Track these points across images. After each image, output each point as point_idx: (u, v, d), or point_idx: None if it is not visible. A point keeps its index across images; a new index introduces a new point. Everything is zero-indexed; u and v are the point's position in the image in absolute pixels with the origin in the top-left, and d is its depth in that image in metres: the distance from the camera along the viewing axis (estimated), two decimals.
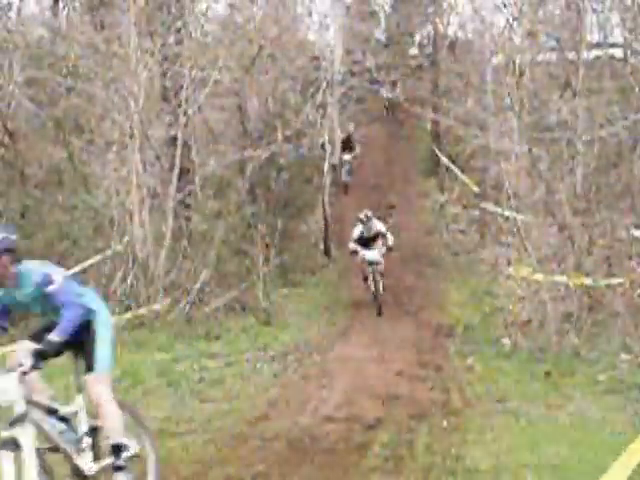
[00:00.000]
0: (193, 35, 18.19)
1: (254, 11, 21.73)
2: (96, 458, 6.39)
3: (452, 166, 24.69)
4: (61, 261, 15.83)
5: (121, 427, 6.41)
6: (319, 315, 17.17)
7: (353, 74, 28.09)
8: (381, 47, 33.48)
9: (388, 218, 22.77)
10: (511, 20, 17.89)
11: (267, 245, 17.71)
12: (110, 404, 6.36)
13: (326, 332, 15.72)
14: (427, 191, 25.69)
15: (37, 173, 18.27)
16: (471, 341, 14.29)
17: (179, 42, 17.72)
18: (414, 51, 35.21)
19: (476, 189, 22.40)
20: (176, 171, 17.41)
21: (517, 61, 16.60)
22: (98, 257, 15.90)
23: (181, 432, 9.51)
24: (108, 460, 6.41)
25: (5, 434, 5.86)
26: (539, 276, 14.19)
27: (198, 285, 16.12)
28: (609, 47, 17.18)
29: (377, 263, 17.05)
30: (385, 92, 32.01)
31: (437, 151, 26.08)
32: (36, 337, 6.36)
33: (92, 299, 6.65)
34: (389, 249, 17.35)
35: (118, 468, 6.36)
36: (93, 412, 6.42)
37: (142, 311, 15.58)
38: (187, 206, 17.75)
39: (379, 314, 16.62)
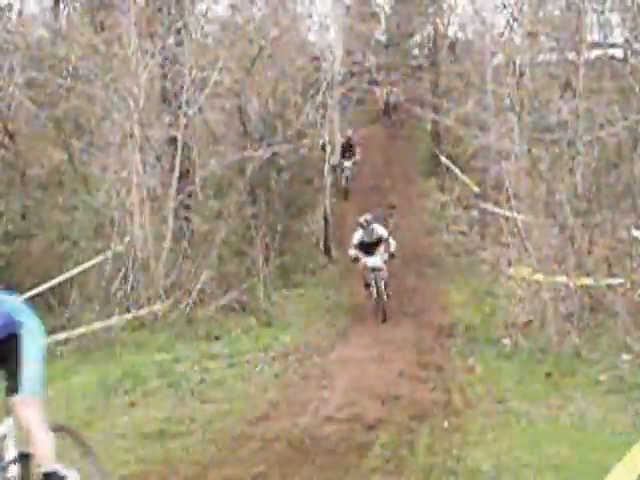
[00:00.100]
0: (193, 36, 18.22)
1: (254, 12, 21.74)
2: None
3: (452, 166, 24.67)
4: (62, 262, 15.90)
5: (53, 454, 5.60)
6: (320, 316, 17.16)
7: (353, 75, 28.10)
8: (381, 48, 33.47)
9: (388, 219, 22.79)
10: (511, 20, 17.91)
11: (267, 246, 17.73)
12: (40, 429, 5.49)
13: (327, 333, 15.72)
14: (427, 191, 25.67)
15: (37, 174, 18.27)
16: (472, 341, 14.27)
17: (179, 43, 17.75)
18: (414, 51, 35.19)
19: (476, 189, 22.38)
20: (176, 172, 17.43)
21: (517, 61, 16.61)
22: (99, 258, 15.91)
23: (182, 433, 9.51)
24: None
25: None
26: (540, 276, 14.18)
27: (199, 286, 16.13)
28: (609, 47, 17.17)
29: (379, 269, 16.35)
30: (382, 93, 31.89)
31: (437, 151, 26.07)
32: None
33: (19, 310, 5.87)
34: (391, 255, 16.66)
35: None
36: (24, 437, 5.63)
37: (143, 312, 15.60)
38: (187, 207, 17.76)
39: (383, 321, 16.08)
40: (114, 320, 14.94)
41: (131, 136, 16.62)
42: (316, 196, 22.06)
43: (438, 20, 28.16)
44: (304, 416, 10.04)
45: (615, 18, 16.94)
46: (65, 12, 22.02)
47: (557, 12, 17.94)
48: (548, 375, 11.79)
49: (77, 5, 21.53)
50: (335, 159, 23.96)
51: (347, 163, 24.76)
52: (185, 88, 17.54)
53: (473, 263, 19.86)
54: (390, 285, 16.75)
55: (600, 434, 9.08)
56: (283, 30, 21.98)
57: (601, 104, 15.61)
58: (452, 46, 28.91)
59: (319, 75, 22.89)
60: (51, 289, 15.20)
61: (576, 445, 8.46)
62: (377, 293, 16.33)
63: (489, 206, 20.36)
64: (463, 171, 24.05)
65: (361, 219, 16.83)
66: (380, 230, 16.87)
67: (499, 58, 20.42)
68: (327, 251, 21.35)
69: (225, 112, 21.80)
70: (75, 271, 15.59)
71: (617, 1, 16.61)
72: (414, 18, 32.80)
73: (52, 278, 15.32)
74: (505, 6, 17.72)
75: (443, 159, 25.30)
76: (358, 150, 25.05)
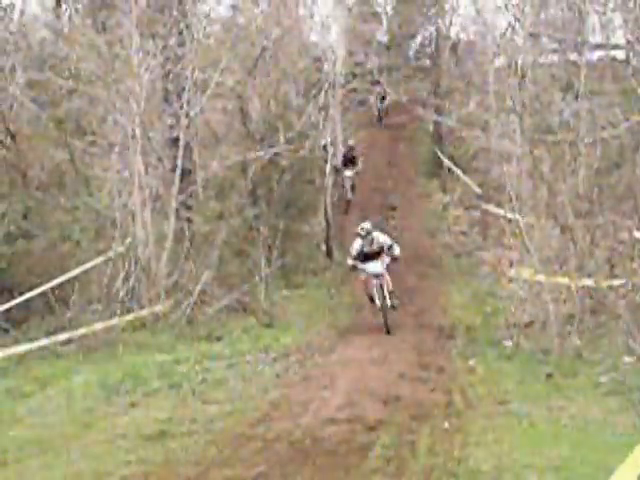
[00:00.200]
0: (195, 37, 18.21)
1: (256, 13, 21.75)
2: None
3: (454, 167, 24.69)
4: (63, 262, 15.91)
5: None
6: (321, 316, 17.16)
7: (355, 76, 28.15)
8: (383, 49, 33.50)
9: (390, 220, 22.82)
10: (513, 22, 17.88)
11: (269, 246, 17.72)
12: None
13: (328, 333, 15.72)
14: (429, 192, 25.68)
15: (39, 175, 18.28)
16: (473, 342, 14.27)
17: (181, 44, 17.76)
18: (416, 52, 35.23)
19: (478, 190, 22.38)
20: (178, 173, 17.44)
21: (519, 63, 16.59)
22: (100, 258, 15.92)
23: (183, 433, 9.52)
24: None
25: None
26: (541, 278, 14.17)
27: (200, 286, 16.14)
28: (611, 49, 17.16)
29: (380, 275, 15.45)
30: (375, 100, 31.69)
31: (439, 152, 26.08)
32: None
33: None
34: (394, 259, 15.75)
35: None
36: None
37: (144, 312, 15.62)
38: (189, 207, 17.78)
39: (388, 332, 15.16)
40: (115, 320, 14.95)
41: (133, 137, 16.63)
42: (318, 197, 22.06)
43: (440, 21, 28.20)
44: (305, 417, 10.04)
45: (617, 19, 16.94)
46: (67, 13, 22.06)
47: (559, 13, 17.92)
48: (549, 376, 11.78)
49: (79, 6, 21.55)
50: (337, 159, 23.95)
51: (349, 173, 24.24)
52: (187, 89, 17.56)
53: (474, 264, 19.87)
54: (396, 292, 15.85)
55: (601, 435, 9.07)
56: (285, 31, 22.02)
57: (603, 105, 15.61)
58: (454, 47, 28.94)
59: (321, 76, 22.91)
60: (52, 289, 15.22)
61: (577, 446, 8.45)
62: (381, 304, 15.35)
63: (490, 207, 20.38)
64: (465, 172, 24.07)
65: (359, 228, 15.88)
66: (381, 238, 15.87)
67: (501, 59, 20.43)
68: (328, 252, 21.36)
69: (227, 113, 21.83)
70: (76, 271, 15.60)
71: (619, 2, 16.60)
72: (416, 19, 32.87)
73: (53, 278, 15.33)
74: (507, 7, 17.69)
75: (445, 160, 25.31)
76: (360, 160, 24.55)
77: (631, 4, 15.75)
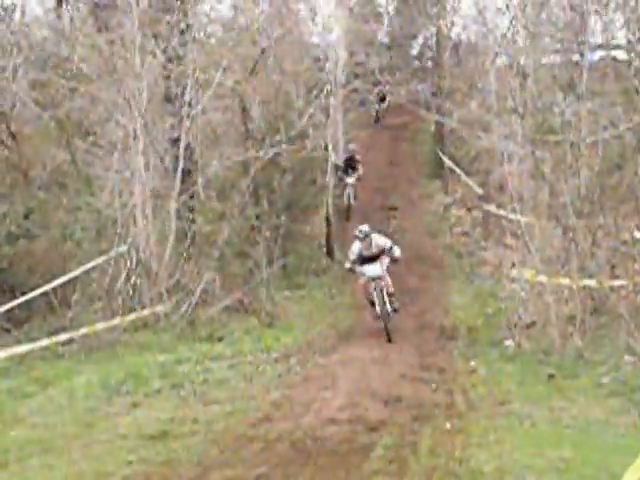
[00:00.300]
0: (196, 37, 18.20)
1: (257, 13, 21.73)
2: None
3: (456, 168, 24.66)
4: (64, 262, 15.92)
5: None
6: (322, 317, 17.15)
7: (357, 76, 28.12)
8: (384, 49, 33.48)
9: (392, 220, 22.81)
10: (514, 22, 17.86)
11: (270, 247, 17.72)
12: None
13: (329, 334, 15.72)
14: (431, 193, 25.67)
15: (41, 175, 18.30)
16: (474, 343, 14.27)
17: (182, 44, 17.74)
18: (417, 53, 35.22)
19: (480, 191, 22.37)
20: (179, 173, 17.45)
21: (521, 63, 16.58)
22: (101, 259, 15.92)
23: (184, 433, 9.53)
24: None
25: None
26: (542, 278, 14.17)
27: (201, 287, 16.15)
28: (613, 49, 17.15)
29: (379, 278, 14.93)
30: (375, 99, 31.55)
31: (440, 153, 26.06)
32: None
33: None
34: (394, 260, 15.29)
35: None
36: None
37: (145, 313, 15.62)
38: (190, 208, 17.76)
39: (389, 341, 14.55)
40: (117, 321, 14.96)
41: (134, 137, 16.63)
42: (319, 197, 22.05)
43: (441, 21, 28.15)
44: (306, 417, 10.05)
45: (618, 19, 16.93)
46: (68, 13, 22.04)
47: (560, 14, 17.90)
48: (551, 377, 11.79)
49: (80, 6, 21.54)
50: (339, 159, 23.92)
51: (350, 180, 23.68)
52: (188, 89, 17.56)
53: (476, 264, 19.85)
54: (396, 295, 15.35)
55: (603, 436, 9.08)
56: (286, 31, 21.99)
57: (604, 106, 15.60)
58: (455, 47, 28.91)
59: (322, 76, 22.89)
60: (54, 289, 15.24)
61: (579, 447, 8.45)
62: (381, 310, 14.81)
63: (492, 208, 20.36)
64: (466, 173, 24.04)
65: (357, 231, 15.36)
66: (381, 240, 15.36)
67: (502, 59, 20.40)
68: (329, 252, 21.33)
69: (228, 113, 21.80)
70: (78, 272, 15.60)
71: (620, 2, 16.59)
72: (417, 19, 32.81)
73: (55, 278, 15.35)
74: (508, 7, 17.66)
75: (446, 160, 25.29)
76: (361, 166, 23.98)
77: (632, 4, 15.74)
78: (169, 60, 17.68)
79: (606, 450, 8.19)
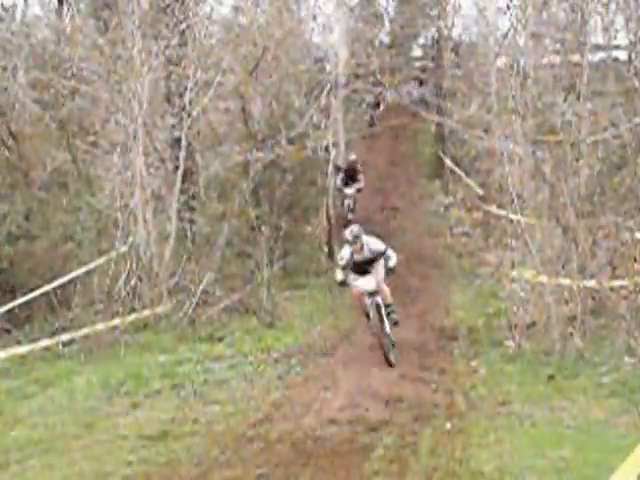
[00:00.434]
0: (197, 37, 18.19)
1: (258, 13, 21.74)
2: None
3: (456, 169, 24.67)
4: (65, 263, 15.92)
5: None
6: (323, 317, 17.13)
7: (357, 76, 28.12)
8: (385, 49, 33.48)
9: (392, 220, 22.82)
10: (515, 22, 17.86)
11: (271, 247, 17.69)
12: None
13: (329, 334, 15.70)
14: (431, 193, 25.68)
15: (41, 175, 18.28)
16: (475, 344, 14.25)
17: (183, 44, 17.75)
18: (418, 53, 35.22)
19: (480, 192, 22.37)
20: (180, 173, 17.46)
21: (521, 63, 16.58)
22: (102, 259, 15.92)
23: (184, 434, 9.54)
24: None
25: None
26: (543, 279, 14.16)
27: (202, 287, 16.14)
28: (613, 49, 17.16)
29: (376, 292, 12.99)
30: (370, 104, 31.21)
31: (441, 154, 26.06)
32: None
33: None
34: (390, 270, 13.32)
35: None
36: None
37: (146, 313, 15.62)
38: (191, 208, 17.77)
39: (390, 365, 12.84)
40: (117, 321, 14.95)
41: (135, 137, 16.64)
42: (320, 198, 22.04)
43: (442, 22, 28.17)
44: (307, 417, 10.05)
45: (619, 20, 16.93)
46: (69, 13, 22.04)
47: (561, 14, 17.91)
48: (551, 377, 11.78)
49: (81, 6, 21.55)
50: (339, 159, 23.91)
51: (350, 190, 22.95)
52: (189, 89, 17.56)
53: (476, 265, 19.83)
54: (397, 311, 13.65)
55: (603, 436, 9.08)
56: (287, 32, 22.00)
57: (605, 106, 15.60)
58: (456, 48, 28.92)
59: (323, 77, 22.91)
60: (54, 290, 15.24)
61: (579, 447, 8.45)
62: (380, 328, 12.97)
63: (493, 208, 20.36)
64: (467, 173, 24.05)
65: (346, 233, 13.19)
66: (374, 244, 13.25)
67: (503, 60, 20.40)
68: (330, 253, 21.31)
69: (229, 113, 21.81)
70: (78, 272, 15.61)
71: (621, 3, 16.59)
72: (418, 20, 32.84)
73: (55, 279, 15.35)
74: (509, 8, 17.66)
75: (447, 161, 25.29)
76: (362, 177, 23.25)
77: (633, 4, 15.75)
78: (169, 60, 17.69)
79: (606, 450, 8.18)
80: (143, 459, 8.62)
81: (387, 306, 13.15)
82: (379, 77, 30.32)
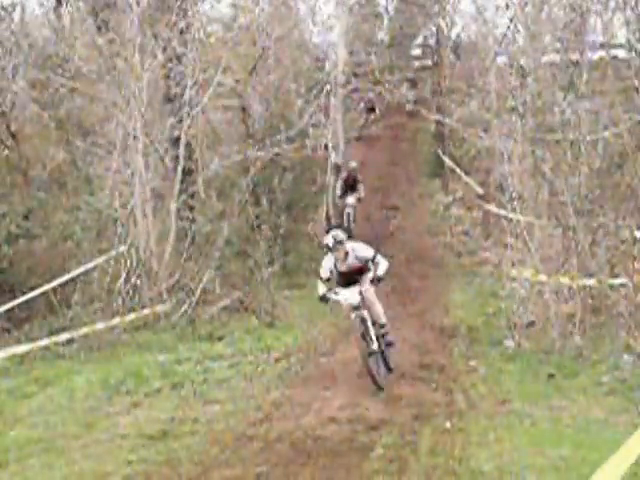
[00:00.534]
0: (196, 36, 18.19)
1: (257, 12, 21.74)
2: None
3: (456, 168, 24.68)
4: (64, 262, 15.92)
5: None
6: (322, 316, 17.11)
7: (356, 75, 28.12)
8: (384, 48, 33.49)
9: (392, 219, 22.82)
10: (514, 21, 17.87)
11: (270, 246, 17.70)
12: None
13: (329, 333, 15.70)
14: (431, 192, 25.69)
15: (40, 174, 18.30)
16: (474, 342, 14.25)
17: (182, 43, 17.75)
18: (417, 52, 35.23)
19: (480, 191, 22.38)
20: (179, 172, 17.47)
21: (520, 62, 16.58)
22: (101, 258, 15.92)
23: (184, 433, 9.54)
24: None
25: None
26: (542, 277, 14.17)
27: (201, 286, 16.15)
28: (613, 48, 17.15)
29: (360, 307, 11.16)
30: (364, 108, 30.86)
31: (441, 152, 26.07)
32: None
33: None
34: (377, 280, 11.32)
35: None
36: None
37: (145, 312, 15.63)
38: (190, 207, 17.78)
39: (379, 388, 11.07)
40: (117, 320, 14.96)
41: (134, 136, 16.65)
42: (319, 196, 22.05)
43: (441, 21, 28.17)
44: (306, 417, 10.05)
45: (618, 19, 16.93)
46: (68, 12, 22.04)
47: (560, 13, 17.91)
48: (551, 376, 11.79)
49: (80, 5, 21.54)
50: (339, 159, 23.90)
51: (350, 200, 22.14)
52: (188, 88, 17.57)
53: (476, 264, 19.86)
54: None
55: (603, 435, 9.07)
56: (286, 31, 22.01)
57: (604, 105, 15.61)
58: (455, 47, 28.94)
59: (322, 75, 22.91)
60: (54, 289, 15.24)
61: (579, 446, 8.46)
62: (367, 346, 11.14)
63: (492, 207, 20.38)
64: (466, 172, 24.06)
65: (327, 239, 11.32)
66: (360, 251, 11.46)
67: (502, 59, 20.42)
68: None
69: (228, 112, 21.82)
70: (78, 271, 15.61)
71: (620, 2, 16.59)
72: (417, 19, 32.84)
73: (55, 278, 15.35)
74: (508, 7, 17.67)
75: (446, 160, 25.30)
76: (362, 187, 22.50)
77: (632, 3, 15.75)
78: (169, 60, 17.70)
79: (606, 449, 8.15)
80: (143, 458, 8.62)
81: (382, 326, 11.53)
82: (378, 76, 30.33)
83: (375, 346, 11.22)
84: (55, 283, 15.28)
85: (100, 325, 14.67)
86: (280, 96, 21.79)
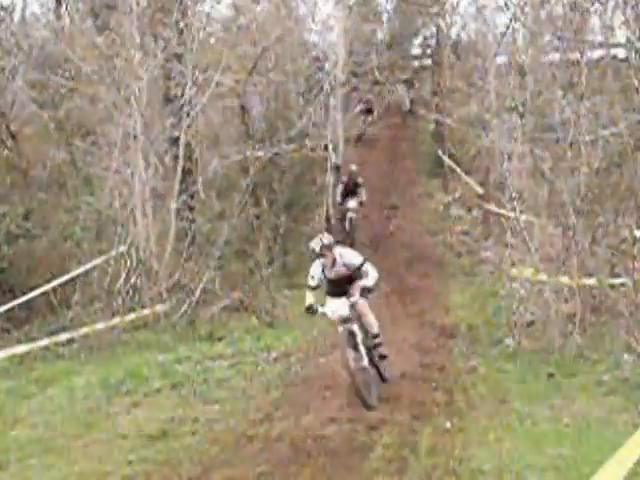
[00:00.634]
0: (195, 36, 18.18)
1: (257, 12, 21.73)
2: None
3: (455, 167, 24.67)
4: (64, 262, 15.93)
5: None
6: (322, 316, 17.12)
7: (356, 75, 28.12)
8: (384, 48, 33.48)
9: (392, 219, 22.82)
10: (514, 20, 17.87)
11: (270, 246, 17.71)
12: None
13: (329, 333, 15.69)
14: (430, 192, 25.67)
15: (40, 175, 18.31)
16: (474, 342, 14.25)
17: (182, 43, 17.75)
18: (417, 52, 35.23)
19: (479, 190, 22.37)
20: (179, 172, 17.47)
21: (520, 61, 16.58)
22: (101, 258, 15.93)
23: (184, 433, 9.55)
24: None
25: None
26: (542, 277, 14.17)
27: (201, 286, 16.14)
28: (612, 47, 17.15)
29: (348, 320, 10.40)
30: (361, 112, 30.28)
31: (440, 152, 26.06)
32: None
33: None
34: (367, 291, 10.56)
35: None
36: None
37: (145, 312, 15.62)
38: (190, 207, 17.78)
39: (367, 408, 10.17)
40: (117, 320, 14.96)
41: (134, 136, 16.64)
42: (319, 196, 22.04)
43: (440, 20, 28.16)
44: (306, 416, 10.04)
45: (618, 18, 16.93)
46: (67, 13, 22.04)
47: (560, 12, 17.91)
48: (551, 375, 11.78)
49: (79, 5, 21.54)
50: (338, 159, 23.89)
51: (352, 204, 21.47)
52: (188, 88, 17.56)
53: (476, 263, 19.84)
54: (385, 343, 11.03)
55: (603, 434, 9.07)
56: (286, 31, 21.99)
57: (604, 104, 15.60)
58: (455, 46, 28.92)
59: (322, 75, 22.91)
60: (54, 289, 15.24)
61: (579, 445, 8.46)
62: (354, 363, 10.32)
63: (492, 206, 20.37)
64: (466, 172, 24.04)
65: (314, 243, 10.68)
66: (349, 257, 10.81)
67: (502, 58, 20.41)
68: None
69: (228, 112, 21.81)
70: (78, 271, 15.61)
71: (620, 1, 16.59)
72: (416, 18, 32.84)
73: (55, 278, 15.36)
74: (507, 6, 17.67)
75: (446, 160, 25.29)
76: (364, 191, 21.74)
77: (632, 2, 15.74)
78: (168, 60, 17.69)
79: (606, 448, 8.17)
80: (143, 458, 8.63)
81: (374, 336, 10.76)
82: (378, 76, 30.33)
83: (365, 362, 10.40)
84: (55, 283, 15.29)
85: (100, 325, 14.67)
86: (280, 96, 21.79)
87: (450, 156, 25.32)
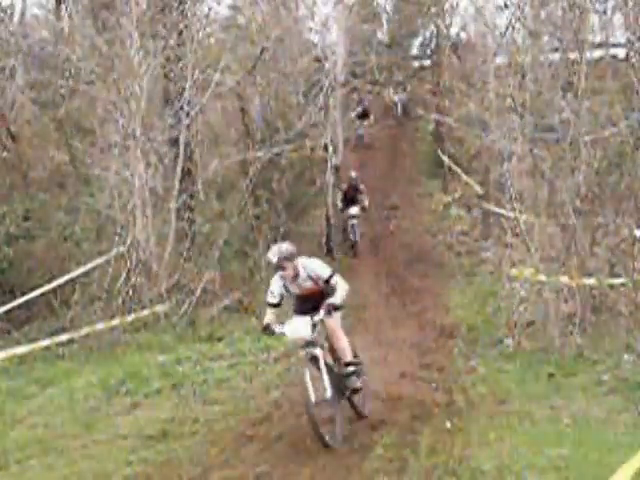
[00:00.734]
0: (195, 37, 18.19)
1: (256, 12, 21.74)
2: None
3: (455, 167, 24.67)
4: (64, 263, 15.93)
5: None
6: None
7: (355, 75, 28.13)
8: (383, 48, 33.51)
9: (392, 219, 22.82)
10: (513, 20, 17.87)
11: (270, 246, 17.69)
12: None
13: None
14: (430, 192, 25.67)
15: (40, 175, 18.30)
16: (474, 342, 14.24)
17: (181, 44, 17.76)
18: (416, 52, 35.26)
19: (479, 190, 22.38)
20: (178, 173, 17.47)
21: (519, 61, 16.58)
22: (101, 259, 15.92)
23: (184, 433, 9.55)
24: None
25: None
26: (542, 277, 14.17)
27: (201, 287, 16.14)
28: (611, 47, 17.16)
29: (310, 343, 9.09)
30: (355, 118, 29.93)
31: (440, 152, 26.06)
32: None
33: None
34: (333, 308, 8.97)
35: None
36: None
37: (145, 313, 15.62)
38: (190, 208, 17.78)
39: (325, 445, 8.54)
40: (116, 321, 14.96)
41: (133, 137, 16.64)
42: (318, 197, 22.03)
43: (440, 20, 28.17)
44: (306, 416, 10.03)
45: (618, 18, 16.93)
46: (67, 13, 22.03)
47: (559, 12, 17.91)
48: (550, 375, 11.78)
49: (79, 6, 21.54)
50: (338, 159, 23.89)
51: (353, 210, 21.28)
52: (187, 89, 17.57)
53: (475, 263, 19.84)
54: (364, 373, 9.87)
55: (603, 434, 9.07)
56: (285, 31, 22.01)
57: (603, 104, 15.60)
58: (454, 46, 28.92)
59: (321, 76, 22.91)
60: (54, 290, 15.24)
61: (579, 445, 8.45)
62: (316, 396, 8.81)
63: (491, 206, 20.37)
64: (466, 172, 24.05)
65: (270, 254, 9.48)
66: (313, 269, 9.35)
67: (501, 58, 20.41)
68: (329, 252, 21.32)
69: (227, 113, 21.82)
70: (77, 272, 15.61)
71: (619, 1, 16.59)
72: (416, 18, 32.87)
73: (55, 279, 15.35)
74: (507, 6, 17.67)
75: (446, 160, 25.30)
76: (365, 197, 21.68)
77: (631, 3, 15.75)
78: (168, 60, 17.70)
79: (606, 448, 8.19)
80: (143, 459, 8.63)
81: (347, 365, 9.41)
82: (377, 76, 30.33)
83: (328, 394, 8.81)
84: (55, 284, 15.29)
85: (100, 325, 14.67)
86: (279, 96, 21.80)
87: (450, 156, 25.33)
